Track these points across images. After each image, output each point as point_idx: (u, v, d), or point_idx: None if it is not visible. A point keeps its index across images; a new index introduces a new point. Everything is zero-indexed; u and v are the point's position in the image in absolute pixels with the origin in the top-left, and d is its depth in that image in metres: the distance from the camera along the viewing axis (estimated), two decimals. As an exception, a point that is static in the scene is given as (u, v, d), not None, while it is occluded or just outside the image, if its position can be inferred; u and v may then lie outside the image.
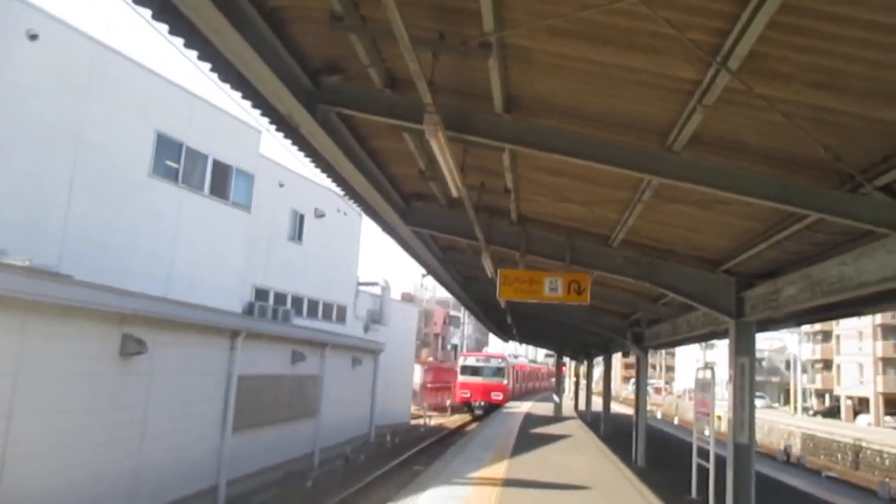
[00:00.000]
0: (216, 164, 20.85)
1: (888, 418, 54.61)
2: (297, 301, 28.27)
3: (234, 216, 22.47)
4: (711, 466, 11.24)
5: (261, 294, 25.74)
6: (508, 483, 12.86)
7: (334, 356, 23.29)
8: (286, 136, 6.60)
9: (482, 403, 41.40)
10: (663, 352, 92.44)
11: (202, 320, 14.14)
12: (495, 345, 73.25)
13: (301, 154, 7.36)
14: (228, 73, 5.29)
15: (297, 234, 28.53)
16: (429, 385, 49.09)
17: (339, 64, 5.93)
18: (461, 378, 43.80)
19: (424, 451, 25.71)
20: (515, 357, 67.16)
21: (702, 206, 7.14)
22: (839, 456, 34.81)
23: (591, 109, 5.72)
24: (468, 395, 42.67)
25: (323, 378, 22.11)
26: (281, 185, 26.86)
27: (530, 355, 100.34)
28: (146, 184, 17.69)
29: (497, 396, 41.57)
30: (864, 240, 6.47)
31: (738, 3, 3.80)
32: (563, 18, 4.33)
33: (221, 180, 21.48)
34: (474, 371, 43.15)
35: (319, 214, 29.72)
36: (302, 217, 28.72)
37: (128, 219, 17.06)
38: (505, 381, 42.98)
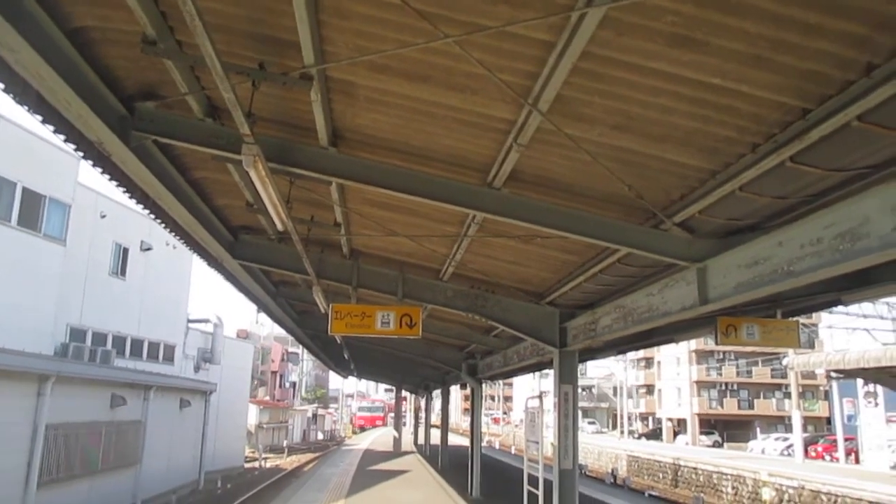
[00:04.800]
0: (26, 192, 19.19)
1: (703, 437, 59.23)
2: (120, 341, 26.38)
3: (46, 249, 20.71)
4: (541, 493, 11.58)
5: (77, 334, 23.77)
6: (343, 523, 12.57)
7: (160, 399, 21.91)
8: (96, 165, 6.17)
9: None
10: (501, 382, 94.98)
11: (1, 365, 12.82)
12: (358, 385, 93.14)
13: (115, 184, 6.90)
14: (26, 94, 4.86)
15: (121, 268, 26.74)
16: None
17: (155, 90, 5.64)
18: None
19: (258, 495, 24.62)
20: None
21: (524, 240, 7.45)
22: (661, 475, 37.12)
23: (415, 145, 5.82)
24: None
25: (146, 423, 20.68)
26: (103, 216, 25.15)
27: (370, 392, 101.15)
28: (-61, 214, 15.95)
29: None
30: (668, 272, 7.02)
31: (544, 49, 4.03)
32: (383, 55, 4.39)
33: (32, 210, 19.77)
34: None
35: (146, 248, 28.06)
36: (126, 250, 26.99)
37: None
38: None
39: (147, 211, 7.84)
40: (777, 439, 46.01)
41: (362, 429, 72.72)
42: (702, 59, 3.84)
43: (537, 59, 4.14)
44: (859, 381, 28.84)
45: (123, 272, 26.86)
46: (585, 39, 3.72)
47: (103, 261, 25.60)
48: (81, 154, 5.86)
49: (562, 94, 4.36)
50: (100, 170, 6.26)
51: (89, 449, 16.92)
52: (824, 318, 43.59)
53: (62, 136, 5.50)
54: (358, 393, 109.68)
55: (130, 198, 7.20)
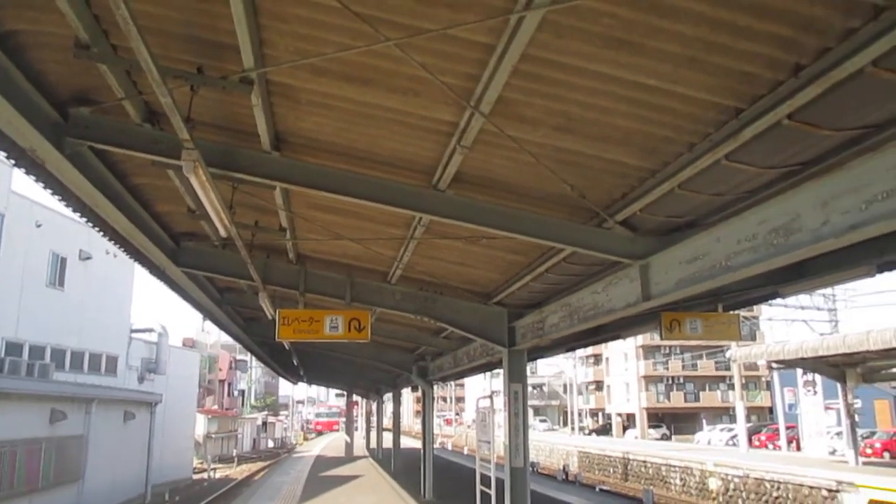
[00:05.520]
0: (-46, 202, 18.47)
1: (651, 430, 60.40)
2: (59, 353, 25.56)
3: (-23, 261, 19.97)
4: (493, 492, 11.64)
5: (13, 348, 22.94)
6: (295, 531, 12.43)
7: (102, 412, 21.32)
8: (29, 173, 5.96)
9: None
10: (453, 383, 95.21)
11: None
12: (309, 391, 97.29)
13: (49, 192, 6.69)
14: (-51, 100, 4.68)
15: (58, 279, 25.91)
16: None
17: (90, 95, 5.49)
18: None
19: (208, 506, 24.18)
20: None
21: (470, 241, 7.48)
22: (611, 470, 37.71)
23: (359, 147, 5.79)
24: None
25: (88, 437, 20.09)
26: (38, 226, 24.33)
27: (322, 397, 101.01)
28: None
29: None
30: (612, 270, 7.14)
31: (485, 51, 4.06)
32: (324, 58, 4.36)
33: (-40, 221, 19.06)
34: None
35: (85, 257, 27.26)
36: (64, 260, 26.16)
37: None
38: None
39: (84, 219, 7.62)
40: (722, 430, 47.16)
41: (320, 433, 79.24)
42: (638, 60, 3.93)
43: (478, 61, 4.18)
44: (799, 371, 29.77)
45: (62, 283, 26.04)
46: (524, 42, 3.77)
47: (40, 271, 24.77)
48: (13, 162, 5.65)
49: (503, 96, 4.40)
50: (33, 178, 6.06)
51: (27, 466, 16.35)
52: (764, 311, 45.02)
53: (-8, 144, 5.30)
54: (308, 399, 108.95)
55: (66, 206, 6.98)
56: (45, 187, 6.33)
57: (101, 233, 8.10)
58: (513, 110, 4.63)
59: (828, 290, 37.68)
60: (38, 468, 16.89)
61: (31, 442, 16.58)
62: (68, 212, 7.43)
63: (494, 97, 4.37)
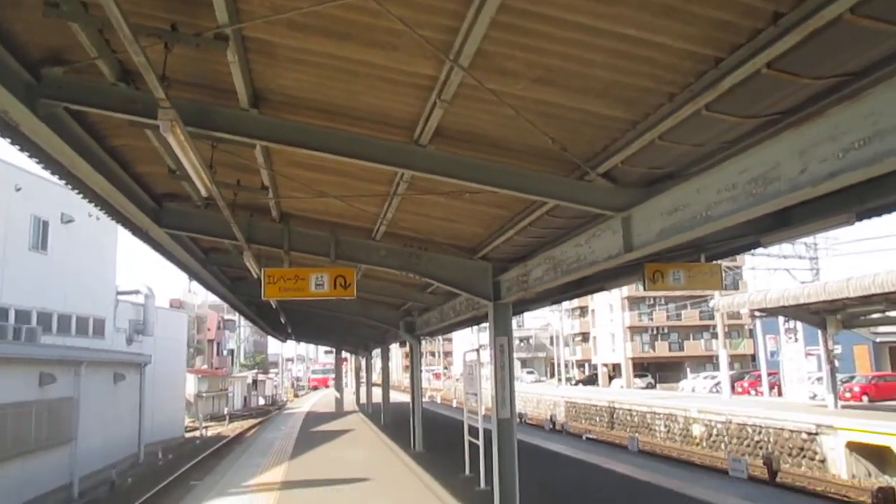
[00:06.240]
0: (-70, 167, 18.18)
1: (637, 380, 61.49)
2: (45, 317, 25.53)
3: (-43, 227, 19.76)
4: (481, 443, 11.88)
5: (-3, 313, 22.89)
6: (287, 485, 12.65)
7: (92, 374, 21.39)
8: (3, 136, 5.86)
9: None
10: (441, 338, 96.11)
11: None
12: (298, 349, 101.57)
13: (26, 155, 6.59)
14: (-81, 63, 4.58)
15: (41, 242, 25.72)
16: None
17: (62, 55, 5.37)
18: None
19: (200, 464, 24.48)
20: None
21: (453, 196, 7.47)
22: (597, 419, 38.48)
23: (338, 104, 5.74)
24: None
25: (79, 399, 20.19)
26: (18, 189, 24.05)
27: (311, 354, 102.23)
28: None
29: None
30: (595, 222, 7.17)
31: (462, 3, 4.00)
32: (300, 12, 4.28)
33: (-62, 186, 18.79)
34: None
35: (67, 220, 27.04)
36: (46, 223, 25.94)
37: None
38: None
39: (64, 182, 7.54)
40: (706, 378, 48.08)
41: (315, 388, 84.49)
42: (617, 10, 3.89)
43: (456, 13, 4.12)
44: (780, 319, 30.28)
45: (45, 246, 25.86)
46: (502, -8, 3.72)
47: (21, 235, 24.57)
48: (-14, 125, 5.55)
49: (483, 49, 4.35)
50: (8, 140, 5.97)
51: (18, 429, 16.45)
52: (747, 261, 45.40)
53: (-37, 107, 5.21)
54: (298, 356, 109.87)
55: (45, 168, 6.90)
56: (21, 150, 6.23)
57: (82, 195, 8.04)
58: (492, 63, 4.59)
59: (809, 239, 38.07)
60: (29, 431, 16.99)
61: (21, 405, 16.64)
62: (48, 175, 7.34)
63: (473, 50, 4.32)
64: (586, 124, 5.43)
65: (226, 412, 48.20)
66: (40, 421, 17.65)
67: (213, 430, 39.83)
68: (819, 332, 25.41)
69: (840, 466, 20.40)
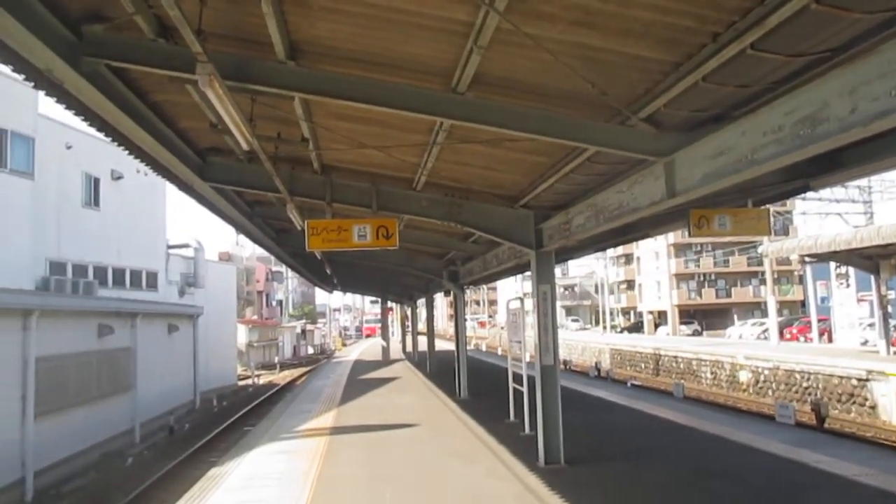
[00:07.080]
0: (-14, 128, 18.70)
1: (683, 327, 61.09)
2: (101, 271, 26.36)
3: (14, 185, 20.38)
4: (525, 389, 11.99)
5: (57, 267, 23.71)
6: (337, 431, 13.01)
7: (147, 325, 22.12)
8: (49, 94, 5.99)
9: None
10: (485, 287, 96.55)
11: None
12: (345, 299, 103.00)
13: (72, 113, 6.73)
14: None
15: (93, 199, 26.41)
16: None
17: (101, 11, 5.43)
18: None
19: (253, 410, 25.31)
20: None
21: (493, 144, 7.43)
22: (642, 365, 38.45)
23: (374, 53, 5.69)
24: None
25: (136, 349, 20.94)
26: (69, 147, 24.62)
27: (357, 304, 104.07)
28: None
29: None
30: (637, 168, 7.06)
31: (497, -55, 3.91)
32: (333, -40, 4.24)
33: (-5, 146, 19.35)
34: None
35: (117, 176, 27.66)
36: (97, 181, 26.58)
37: None
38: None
39: (110, 139, 7.69)
40: (753, 325, 47.50)
41: (368, 336, 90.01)
42: (657, -53, 3.75)
43: (491, -44, 4.03)
44: (832, 264, 29.58)
45: (97, 202, 26.54)
46: (538, -68, 3.61)
47: (75, 192, 25.24)
48: (32, 84, 5.67)
49: (518, -9, 4.26)
50: (54, 99, 6.09)
51: (82, 378, 17.18)
52: (798, 205, 44.32)
53: (10, 66, 5.32)
54: (345, 307, 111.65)
55: (90, 126, 7.04)
56: (67, 108, 6.36)
57: (127, 151, 8.18)
58: (529, 6, 4.48)
59: (863, 182, 36.91)
60: (91, 379, 17.73)
61: (83, 355, 17.33)
62: (96, 133, 7.49)
63: (508, -8, 4.23)
64: (627, 67, 5.29)
65: (276, 361, 49.54)
66: (101, 370, 18.38)
67: (264, 378, 41.02)
68: (872, 277, 24.79)
69: (891, 412, 20.08)
